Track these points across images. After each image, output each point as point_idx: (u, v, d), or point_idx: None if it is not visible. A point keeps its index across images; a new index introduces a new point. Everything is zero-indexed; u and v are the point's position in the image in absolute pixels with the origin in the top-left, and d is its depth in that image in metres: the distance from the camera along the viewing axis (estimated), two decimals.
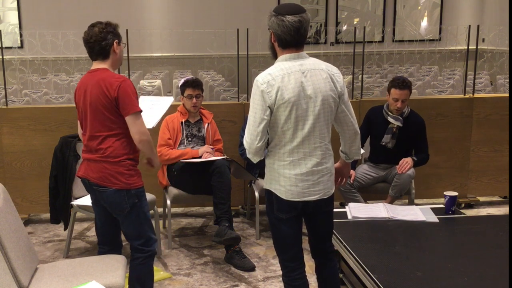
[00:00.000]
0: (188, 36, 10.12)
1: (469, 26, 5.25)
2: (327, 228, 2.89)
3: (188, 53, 10.66)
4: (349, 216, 3.66)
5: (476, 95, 5.31)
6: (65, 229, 4.31)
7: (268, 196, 2.76)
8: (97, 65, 3.03)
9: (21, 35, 10.29)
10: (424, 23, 11.72)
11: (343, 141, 2.85)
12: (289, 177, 2.66)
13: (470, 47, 5.32)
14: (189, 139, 4.43)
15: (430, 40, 11.42)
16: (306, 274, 2.85)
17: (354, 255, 3.05)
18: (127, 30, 4.86)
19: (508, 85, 7.51)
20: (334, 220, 2.92)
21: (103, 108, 2.93)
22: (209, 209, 5.07)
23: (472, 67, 5.50)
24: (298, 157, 2.65)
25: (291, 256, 2.79)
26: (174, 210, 5.06)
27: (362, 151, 2.98)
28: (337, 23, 11.46)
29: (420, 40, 11.28)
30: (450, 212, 3.73)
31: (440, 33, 11.46)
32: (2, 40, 4.77)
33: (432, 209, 3.80)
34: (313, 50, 10.38)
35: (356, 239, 3.28)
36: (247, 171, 4.49)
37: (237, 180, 4.78)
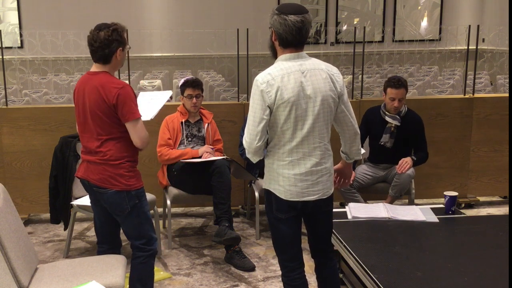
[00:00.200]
0: (188, 36, 10.12)
1: (469, 26, 5.25)
2: (327, 228, 2.89)
3: (188, 53, 10.66)
4: (349, 216, 3.66)
5: (476, 95, 5.31)
6: (65, 229, 4.31)
7: (267, 196, 2.76)
8: (97, 67, 3.02)
9: (21, 35, 10.29)
10: (424, 23, 11.72)
11: (343, 141, 2.85)
12: (288, 177, 2.66)
13: (470, 47, 5.32)
14: (189, 139, 4.43)
15: (430, 40, 11.42)
16: (305, 274, 2.85)
17: (354, 255, 3.05)
18: (127, 30, 4.86)
19: (508, 85, 7.51)
20: (334, 220, 2.92)
21: (102, 114, 2.93)
22: (209, 209, 5.07)
23: (472, 67, 5.50)
24: (297, 157, 2.65)
25: (290, 256, 2.79)
26: (174, 210, 5.06)
27: (362, 151, 2.98)
28: (337, 23, 11.47)
29: (420, 40, 11.29)
30: (450, 212, 3.73)
31: (440, 33, 11.46)
32: (2, 40, 4.77)
33: (432, 209, 3.80)
34: (313, 50, 10.38)
35: (356, 239, 3.28)
36: (247, 171, 4.49)
37: (237, 180, 4.78)
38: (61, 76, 9.11)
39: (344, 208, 3.85)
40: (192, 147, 4.40)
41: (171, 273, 3.94)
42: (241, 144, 4.39)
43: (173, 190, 4.37)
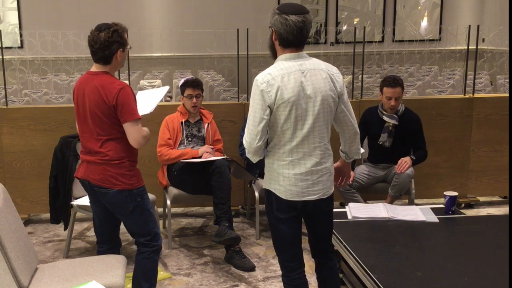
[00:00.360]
0: (188, 36, 10.13)
1: (469, 26, 5.25)
2: (327, 228, 2.89)
3: (188, 53, 10.66)
4: (349, 216, 3.66)
5: (476, 95, 5.30)
6: (65, 229, 4.31)
7: (268, 196, 2.76)
8: (97, 68, 3.02)
9: (21, 35, 10.29)
10: (424, 23, 11.72)
11: (342, 140, 2.85)
12: (289, 176, 2.66)
13: (470, 47, 5.32)
14: (189, 139, 4.43)
15: (430, 40, 11.43)
16: (305, 274, 2.85)
17: (354, 255, 3.05)
18: (127, 30, 4.86)
19: (508, 85, 7.51)
20: (334, 220, 2.92)
21: (102, 114, 2.94)
22: (209, 209, 5.07)
23: (472, 67, 5.50)
24: (297, 156, 2.65)
25: (290, 256, 2.79)
26: (174, 210, 5.06)
27: (362, 150, 2.98)
28: (337, 23, 11.47)
29: (420, 40, 11.29)
30: (450, 212, 3.73)
31: (440, 33, 11.46)
32: (2, 40, 4.77)
33: (432, 209, 3.80)
34: (313, 50, 10.38)
35: (356, 239, 3.28)
36: (247, 171, 4.49)
37: (237, 180, 4.78)
38: (61, 76, 9.12)
39: (344, 208, 3.85)
40: (192, 147, 4.40)
41: (171, 273, 3.94)
42: (241, 144, 4.39)
43: (173, 190, 4.37)
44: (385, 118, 4.44)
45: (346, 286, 3.43)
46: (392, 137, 4.43)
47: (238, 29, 5.01)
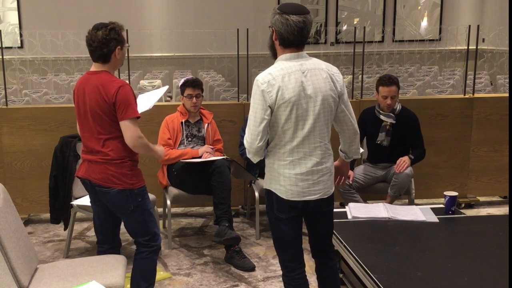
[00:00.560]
0: (188, 36, 10.13)
1: (469, 26, 5.25)
2: (327, 228, 2.89)
3: (188, 53, 10.66)
4: (349, 216, 3.66)
5: (476, 95, 5.30)
6: (65, 229, 4.31)
7: (268, 196, 2.76)
8: (97, 67, 3.03)
9: (21, 35, 10.29)
10: (424, 23, 11.72)
11: (342, 140, 2.85)
12: (289, 176, 2.66)
13: (470, 47, 5.32)
14: (189, 139, 4.43)
15: (430, 40, 11.43)
16: (306, 274, 2.85)
17: (354, 255, 3.05)
18: (127, 30, 4.85)
19: (508, 85, 7.51)
20: (334, 220, 2.92)
21: (102, 113, 2.94)
22: (209, 209, 5.07)
23: (472, 67, 5.50)
24: (298, 156, 2.65)
25: (291, 256, 2.79)
26: (174, 210, 5.06)
27: (361, 150, 2.98)
28: (337, 23, 11.47)
29: (420, 40, 11.29)
30: (450, 212, 3.73)
31: (440, 33, 11.46)
32: (2, 40, 4.77)
33: (432, 209, 3.80)
34: (313, 50, 10.38)
35: (356, 239, 3.28)
36: (247, 171, 4.49)
37: (237, 180, 4.78)
38: (61, 76, 9.11)
39: (344, 208, 3.85)
40: (192, 147, 4.40)
41: (171, 273, 3.94)
42: (241, 144, 4.39)
43: (173, 190, 4.37)
44: (382, 117, 4.45)
45: (346, 286, 3.42)
46: (390, 136, 4.44)
47: (238, 29, 5.01)
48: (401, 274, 2.83)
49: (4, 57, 4.87)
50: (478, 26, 5.30)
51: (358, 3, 11.55)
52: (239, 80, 5.36)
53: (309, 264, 3.18)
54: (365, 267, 2.89)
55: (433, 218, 3.62)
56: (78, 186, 4.11)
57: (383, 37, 11.57)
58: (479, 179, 5.22)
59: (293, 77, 2.58)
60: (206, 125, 4.48)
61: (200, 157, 4.29)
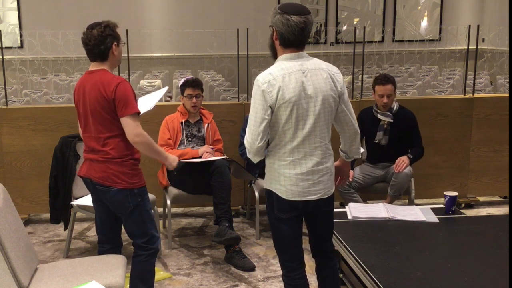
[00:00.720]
0: (188, 36, 10.13)
1: (469, 26, 5.25)
2: (327, 227, 2.89)
3: (188, 53, 10.66)
4: (349, 216, 3.66)
5: (476, 95, 5.30)
6: (65, 229, 4.31)
7: (269, 196, 2.76)
8: (95, 66, 3.04)
9: (21, 35, 10.29)
10: (424, 23, 11.72)
11: (343, 140, 2.85)
12: (290, 176, 2.66)
13: (470, 47, 5.32)
14: (189, 139, 4.43)
15: (430, 40, 11.43)
16: (306, 274, 2.85)
17: (354, 255, 3.05)
18: (127, 30, 4.86)
19: (508, 85, 7.51)
20: (334, 220, 2.92)
21: (102, 110, 2.94)
22: (209, 209, 5.07)
23: (472, 67, 5.50)
24: (298, 156, 2.65)
25: (291, 256, 2.79)
26: (174, 210, 5.06)
27: (362, 150, 2.98)
28: (337, 23, 11.47)
29: (420, 40, 11.29)
30: (450, 212, 3.73)
31: (440, 33, 11.46)
32: (2, 40, 4.77)
33: (432, 209, 3.80)
34: (313, 50, 10.38)
35: (356, 239, 3.28)
36: (247, 171, 4.49)
37: (237, 180, 4.78)
38: (61, 76, 9.12)
39: (344, 208, 3.85)
40: (192, 147, 4.40)
41: (171, 273, 3.94)
42: (241, 144, 4.39)
43: (173, 190, 4.37)
44: (379, 116, 4.46)
45: (346, 286, 3.42)
46: (388, 135, 4.45)
47: (238, 29, 5.01)
48: (401, 274, 2.83)
49: (4, 57, 4.87)
50: (478, 26, 5.30)
51: (358, 3, 11.55)
52: (239, 80, 5.36)
53: (309, 264, 3.18)
54: (365, 267, 2.89)
55: (433, 218, 3.62)
56: (78, 186, 4.12)
57: (383, 37, 11.57)
58: (479, 179, 5.22)
59: (293, 77, 2.58)
60: (206, 125, 4.48)
61: (200, 157, 4.29)
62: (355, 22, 11.58)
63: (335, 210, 2.95)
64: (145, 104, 3.40)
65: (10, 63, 9.57)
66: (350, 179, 4.42)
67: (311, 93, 2.59)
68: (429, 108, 5.03)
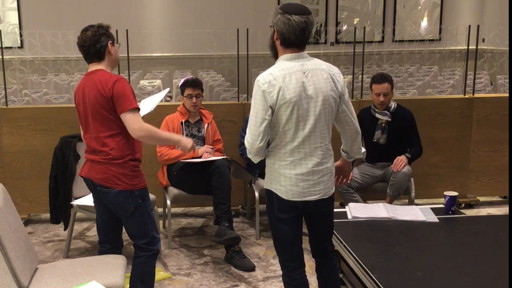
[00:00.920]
0: (188, 36, 10.13)
1: (469, 26, 5.25)
2: (327, 228, 2.89)
3: (188, 53, 10.66)
4: (349, 216, 3.66)
5: (476, 95, 5.30)
6: (65, 229, 4.31)
7: (269, 196, 2.76)
8: (93, 67, 3.05)
9: (21, 35, 10.29)
10: (424, 23, 11.72)
11: (344, 140, 2.85)
12: (290, 177, 2.66)
13: (470, 47, 5.32)
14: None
15: (430, 40, 11.43)
16: (306, 274, 2.85)
17: (354, 255, 3.05)
18: (127, 30, 4.87)
19: (508, 85, 7.51)
20: (334, 220, 2.92)
21: (101, 108, 2.94)
22: (209, 209, 5.07)
23: (472, 67, 5.50)
24: (298, 157, 2.65)
25: (291, 256, 2.79)
26: (174, 210, 5.06)
27: (363, 150, 2.99)
28: (337, 23, 11.47)
29: (420, 40, 11.29)
30: (450, 212, 3.73)
31: (440, 33, 11.46)
32: (2, 40, 4.77)
33: (432, 209, 3.80)
34: (313, 50, 10.38)
35: (356, 239, 3.28)
36: (247, 171, 4.49)
37: (237, 180, 4.78)
38: (61, 76, 9.11)
39: (344, 208, 3.85)
40: None
41: (171, 273, 3.94)
42: (241, 144, 4.39)
43: (173, 190, 4.37)
44: (377, 115, 4.48)
45: (346, 286, 3.42)
46: (386, 133, 4.46)
47: (238, 29, 5.01)
48: (401, 274, 2.83)
49: (4, 57, 4.87)
50: (478, 26, 5.30)
51: (358, 3, 11.55)
52: (239, 80, 5.36)
53: (309, 264, 3.18)
54: (365, 267, 2.89)
55: (433, 218, 3.62)
56: (78, 186, 4.12)
57: (383, 37, 11.57)
58: (479, 179, 5.22)
59: (294, 78, 2.58)
60: (206, 125, 4.48)
61: (200, 157, 4.29)
62: (355, 22, 11.58)
63: (335, 210, 2.95)
64: (147, 106, 3.41)
65: (10, 63, 9.57)
66: (349, 180, 4.41)
67: (311, 94, 2.59)
68: (429, 108, 5.03)
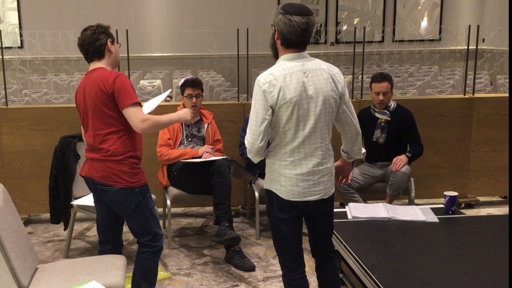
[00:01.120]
0: (188, 36, 10.13)
1: (469, 26, 5.25)
2: (327, 228, 2.89)
3: (188, 53, 10.66)
4: (349, 216, 3.66)
5: (476, 95, 5.31)
6: (65, 229, 4.31)
7: (269, 196, 2.76)
8: (94, 65, 3.07)
9: (21, 35, 10.29)
10: (424, 23, 11.72)
11: (344, 140, 2.86)
12: (290, 177, 2.66)
13: (470, 47, 5.32)
14: (189, 139, 4.43)
15: (430, 40, 11.43)
16: (306, 274, 2.85)
17: (354, 255, 3.05)
18: (127, 30, 4.87)
19: (508, 85, 7.51)
20: (334, 220, 2.92)
21: (102, 105, 2.95)
22: (209, 209, 5.07)
23: (472, 67, 5.50)
24: (299, 157, 2.65)
25: (291, 256, 2.79)
26: (174, 210, 5.06)
27: (363, 150, 2.99)
28: (337, 23, 11.47)
29: (420, 40, 11.29)
30: (450, 212, 3.73)
31: (440, 33, 11.46)
32: (2, 40, 4.77)
33: (432, 209, 3.80)
34: (313, 50, 10.38)
35: (356, 239, 3.28)
36: (247, 171, 4.49)
37: (237, 180, 4.78)
38: (61, 76, 9.12)
39: (344, 208, 3.85)
40: (192, 147, 4.40)
41: (171, 273, 3.94)
42: (241, 144, 4.39)
43: (173, 190, 4.37)
44: (377, 114, 4.48)
45: (346, 286, 3.43)
46: (385, 133, 4.47)
47: (238, 29, 5.01)
48: (401, 274, 2.83)
49: (4, 57, 4.87)
50: (478, 26, 5.30)
51: (358, 3, 11.55)
52: (239, 80, 5.36)
53: (309, 264, 3.18)
54: (365, 267, 2.89)
55: (433, 218, 3.62)
56: (78, 186, 4.12)
57: (383, 37, 11.57)
58: (479, 179, 5.22)
59: (294, 77, 2.58)
60: (206, 125, 4.48)
61: (200, 157, 4.29)
62: (355, 22, 11.58)
63: (335, 210, 2.95)
64: (148, 107, 3.41)
65: (10, 63, 9.57)
66: (349, 180, 4.42)
67: (312, 94, 2.59)
68: (429, 108, 5.03)
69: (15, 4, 10.45)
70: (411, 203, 4.55)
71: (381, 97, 4.41)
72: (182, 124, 4.40)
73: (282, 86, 2.56)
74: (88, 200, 3.97)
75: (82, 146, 3.70)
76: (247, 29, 5.01)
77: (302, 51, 2.64)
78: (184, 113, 3.19)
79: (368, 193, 4.71)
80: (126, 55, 5.06)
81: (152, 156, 4.59)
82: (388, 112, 4.47)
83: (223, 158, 4.22)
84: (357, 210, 3.73)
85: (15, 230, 2.80)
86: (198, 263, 4.11)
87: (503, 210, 5.19)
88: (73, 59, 9.82)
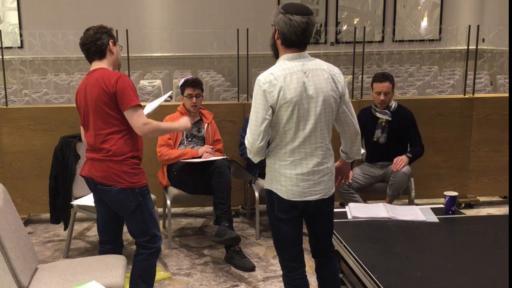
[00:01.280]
0: (188, 36, 10.12)
1: (469, 26, 5.25)
2: (327, 228, 2.89)
3: (188, 53, 10.66)
4: (349, 216, 3.66)
5: (476, 95, 5.31)
6: (65, 229, 4.31)
7: (269, 196, 2.76)
8: (95, 65, 3.07)
9: (21, 35, 10.29)
10: (424, 23, 11.72)
11: (343, 141, 2.85)
12: (290, 177, 2.66)
13: (470, 47, 5.32)
14: (189, 139, 4.43)
15: (430, 40, 11.43)
16: (306, 274, 2.85)
17: (354, 255, 3.05)
18: (127, 30, 4.87)
19: (508, 85, 7.51)
20: (334, 220, 2.92)
21: (103, 105, 2.95)
22: (209, 209, 5.07)
23: (472, 67, 5.50)
24: (299, 157, 2.65)
25: (291, 256, 2.79)
26: (174, 210, 5.06)
27: (362, 151, 2.99)
28: (337, 23, 11.47)
29: (420, 40, 11.29)
30: (450, 212, 3.73)
31: (440, 33, 11.46)
32: (2, 40, 4.77)
33: (432, 209, 3.80)
34: (313, 50, 10.37)
35: (356, 239, 3.28)
36: (247, 171, 4.49)
37: (237, 180, 4.78)
38: (61, 76, 9.11)
39: (344, 208, 3.85)
40: (192, 147, 4.40)
41: (171, 273, 3.94)
42: (241, 144, 4.39)
43: (173, 190, 4.37)
44: (378, 114, 4.48)
45: (346, 286, 3.43)
46: (386, 133, 4.47)
47: (238, 29, 5.01)
48: (401, 274, 2.83)
49: (4, 57, 4.87)
50: (478, 26, 5.30)
51: (358, 3, 11.55)
52: (239, 80, 5.36)
53: (309, 264, 3.18)
54: (365, 267, 2.89)
55: (433, 218, 3.62)
56: (78, 186, 4.12)
57: (383, 37, 11.56)
58: (479, 179, 5.22)
59: (294, 77, 2.58)
60: (206, 125, 4.48)
61: (200, 157, 4.29)
62: (355, 22, 11.58)
63: (335, 210, 2.95)
64: (149, 108, 3.42)
65: (10, 63, 9.57)
66: (350, 180, 4.42)
67: (312, 94, 2.59)
68: (429, 108, 5.03)
69: (15, 4, 10.45)
70: (411, 203, 4.56)
71: (382, 97, 4.41)
72: None
73: (283, 86, 2.56)
74: (88, 200, 3.97)
75: (82, 146, 3.70)
76: (247, 29, 5.01)
77: (302, 51, 2.65)
78: (185, 122, 3.25)
79: (368, 193, 4.71)
80: (126, 55, 5.06)
81: (152, 156, 4.59)
82: (389, 112, 4.47)
83: (223, 158, 4.22)
84: (357, 210, 3.73)
85: (15, 230, 2.80)
86: (198, 263, 4.11)
87: (503, 210, 5.19)
88: (73, 59, 9.82)
